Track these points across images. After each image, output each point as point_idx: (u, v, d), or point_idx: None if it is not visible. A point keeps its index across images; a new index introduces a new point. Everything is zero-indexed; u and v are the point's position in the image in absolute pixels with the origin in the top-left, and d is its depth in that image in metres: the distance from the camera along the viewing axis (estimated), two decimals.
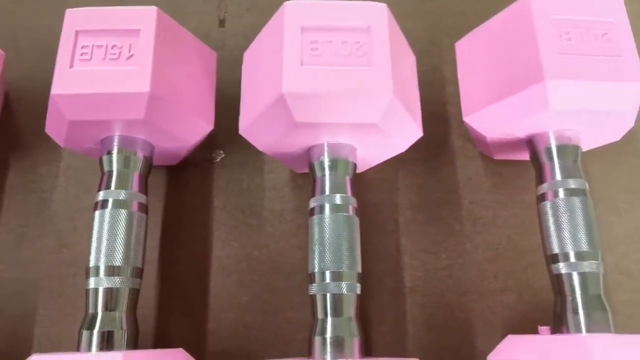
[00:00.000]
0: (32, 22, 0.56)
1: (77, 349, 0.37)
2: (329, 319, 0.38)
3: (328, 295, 0.38)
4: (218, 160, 0.50)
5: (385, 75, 0.37)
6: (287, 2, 0.40)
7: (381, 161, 0.47)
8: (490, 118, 0.43)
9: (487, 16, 0.46)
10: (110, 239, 0.39)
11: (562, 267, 0.40)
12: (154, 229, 0.47)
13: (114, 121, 0.39)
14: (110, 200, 0.40)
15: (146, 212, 0.41)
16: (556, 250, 0.41)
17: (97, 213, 0.40)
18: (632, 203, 0.51)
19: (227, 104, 0.48)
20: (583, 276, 0.39)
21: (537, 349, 0.36)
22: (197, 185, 0.49)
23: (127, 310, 0.38)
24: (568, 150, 0.43)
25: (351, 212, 0.40)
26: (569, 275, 0.40)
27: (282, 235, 0.48)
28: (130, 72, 0.38)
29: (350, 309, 0.38)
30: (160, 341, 0.44)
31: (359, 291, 0.39)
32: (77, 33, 0.39)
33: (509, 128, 0.43)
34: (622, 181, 0.52)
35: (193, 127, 0.42)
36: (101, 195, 0.40)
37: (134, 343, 0.38)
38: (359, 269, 0.40)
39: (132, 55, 0.39)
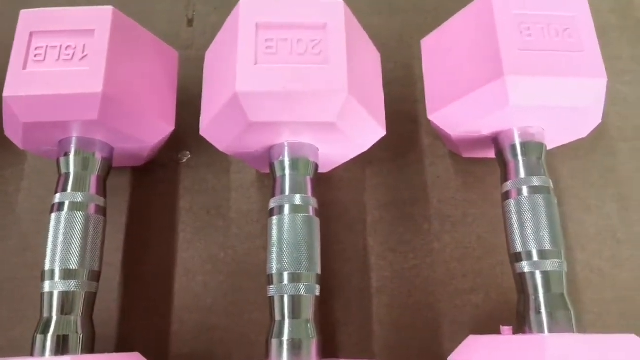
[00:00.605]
0: None
1: (31, 353, 0.36)
2: (287, 320, 0.37)
3: (286, 297, 0.38)
4: (184, 161, 0.50)
5: (341, 74, 0.37)
6: None
7: (346, 160, 0.46)
8: (453, 116, 0.43)
9: None
10: (65, 242, 0.38)
11: (525, 266, 0.40)
12: (118, 231, 0.47)
13: (69, 122, 0.39)
14: (67, 203, 0.39)
15: (104, 215, 0.41)
16: (519, 248, 0.40)
17: (53, 216, 0.39)
18: (604, 200, 0.50)
19: (195, 104, 0.47)
20: (546, 275, 0.39)
21: (497, 349, 0.36)
22: (163, 186, 0.49)
23: (83, 314, 0.38)
24: (532, 147, 0.42)
25: (311, 212, 0.40)
26: (532, 274, 0.39)
27: (248, 236, 0.47)
28: (83, 73, 0.37)
29: (308, 311, 0.38)
30: (123, 344, 0.44)
31: (317, 293, 0.39)
32: (31, 34, 0.39)
33: (473, 125, 0.43)
34: (593, 178, 0.51)
35: (152, 127, 0.42)
36: (57, 198, 0.40)
37: (90, 347, 0.38)
38: (318, 271, 0.39)
39: (85, 56, 0.38)
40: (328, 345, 0.45)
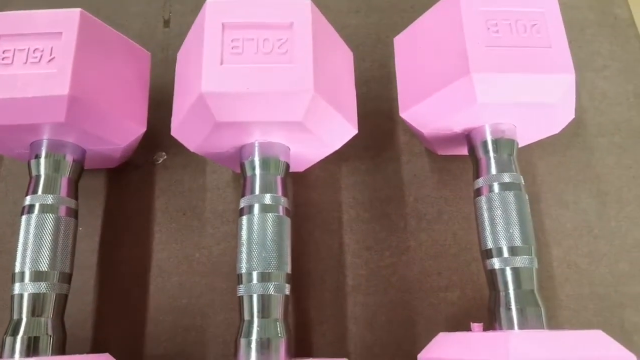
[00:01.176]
0: None
1: (0, 355, 0.37)
2: (255, 320, 0.37)
3: (255, 296, 0.38)
4: (160, 161, 0.50)
5: (307, 73, 0.37)
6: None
7: (320, 159, 0.46)
8: (424, 113, 0.43)
9: None
10: (35, 244, 0.38)
11: (495, 263, 0.40)
12: (93, 233, 0.47)
13: (37, 125, 0.39)
14: (37, 205, 0.39)
15: (76, 217, 0.41)
16: (490, 245, 0.40)
17: (23, 218, 0.39)
18: (580, 196, 0.50)
19: (171, 105, 0.47)
20: (516, 271, 0.39)
21: (465, 346, 0.36)
22: (139, 187, 0.49)
23: (54, 315, 0.38)
24: (503, 144, 0.42)
25: (281, 212, 0.40)
26: (502, 271, 0.39)
27: (224, 236, 0.48)
28: (50, 75, 0.38)
29: (277, 310, 0.38)
30: (98, 346, 0.44)
31: (287, 292, 0.39)
32: None
33: (444, 123, 0.43)
34: (570, 174, 0.51)
35: (123, 129, 0.42)
36: (28, 200, 0.40)
37: (61, 349, 0.38)
38: (288, 270, 0.39)
39: (53, 58, 0.38)
40: (303, 344, 0.45)
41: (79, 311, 0.44)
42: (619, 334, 0.46)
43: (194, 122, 0.39)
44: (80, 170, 0.43)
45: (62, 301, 0.39)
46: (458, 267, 0.47)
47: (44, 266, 0.38)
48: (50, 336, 0.37)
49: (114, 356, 0.39)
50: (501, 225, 0.40)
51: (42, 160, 0.41)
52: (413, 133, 0.51)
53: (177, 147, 0.50)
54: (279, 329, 0.37)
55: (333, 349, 0.45)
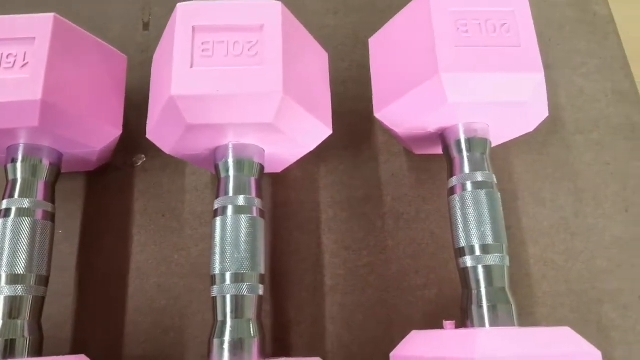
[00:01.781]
0: None
1: None
2: (229, 321, 0.38)
3: (228, 296, 0.38)
4: (139, 164, 0.50)
5: (276, 74, 0.37)
6: (180, 3, 0.39)
7: (296, 159, 0.47)
8: (397, 114, 0.43)
9: None
10: (12, 248, 0.39)
11: (468, 261, 0.40)
12: (73, 235, 0.48)
13: (13, 130, 0.39)
14: (14, 209, 0.40)
15: (52, 221, 0.41)
16: (463, 243, 0.40)
17: (0, 222, 0.40)
18: (557, 194, 0.51)
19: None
20: (488, 269, 0.39)
21: (436, 343, 0.36)
22: (118, 190, 0.49)
23: (31, 318, 0.38)
24: (476, 143, 0.43)
25: (255, 213, 0.40)
26: (475, 269, 0.40)
27: (202, 237, 0.48)
28: (23, 80, 0.38)
29: (250, 310, 0.38)
30: (77, 347, 0.44)
31: (261, 292, 0.39)
32: None
33: (418, 123, 0.43)
34: (547, 172, 0.51)
35: (98, 132, 0.42)
36: (4, 204, 0.40)
37: (38, 351, 0.38)
38: (262, 271, 0.40)
39: (26, 64, 0.39)
40: (281, 344, 0.45)
41: (58, 313, 0.45)
42: (596, 331, 0.46)
43: (167, 124, 0.39)
44: (57, 174, 0.43)
45: (39, 304, 0.39)
46: (436, 265, 0.48)
47: (20, 269, 0.38)
48: (27, 338, 0.38)
49: (92, 358, 0.39)
50: (473, 223, 0.40)
51: (19, 165, 0.41)
52: (391, 134, 0.51)
53: (156, 150, 0.50)
54: (252, 329, 0.38)
55: (311, 349, 0.45)
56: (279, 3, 0.40)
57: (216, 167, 0.42)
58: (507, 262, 0.40)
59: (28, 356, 0.38)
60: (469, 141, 0.43)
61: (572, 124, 0.54)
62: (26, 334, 0.38)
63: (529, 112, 0.43)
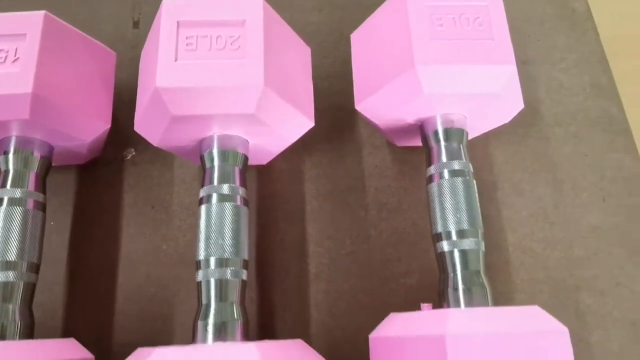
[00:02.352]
0: None
1: None
2: (213, 304, 0.39)
3: (212, 280, 0.39)
4: (129, 157, 0.52)
5: (257, 67, 0.39)
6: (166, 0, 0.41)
7: (280, 151, 0.48)
8: (376, 106, 0.45)
9: None
10: (4, 236, 0.40)
11: (444, 245, 0.41)
12: (63, 227, 0.49)
13: (4, 122, 0.41)
14: (5, 199, 0.41)
15: (43, 211, 0.43)
16: (440, 229, 0.42)
17: None
18: (535, 184, 0.52)
19: None
20: (463, 253, 0.41)
21: (412, 323, 0.37)
22: (108, 183, 0.51)
23: (22, 303, 0.40)
24: (453, 133, 0.44)
25: (239, 201, 0.42)
26: (451, 253, 0.41)
27: (190, 227, 0.49)
28: (14, 75, 0.39)
29: (234, 294, 0.39)
30: (67, 334, 0.46)
31: (244, 277, 0.41)
32: None
33: (397, 114, 0.45)
34: (526, 163, 0.53)
35: (87, 125, 0.44)
36: None
37: (29, 335, 0.40)
38: (245, 256, 0.41)
39: (17, 59, 0.40)
40: (266, 330, 0.46)
41: (49, 301, 0.46)
42: (574, 316, 0.48)
43: (153, 116, 0.41)
44: (48, 166, 0.44)
45: (30, 290, 0.41)
46: (417, 253, 0.49)
47: (11, 256, 0.40)
48: (18, 323, 0.39)
49: (82, 343, 0.41)
50: (450, 210, 0.42)
51: (11, 156, 0.43)
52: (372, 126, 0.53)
53: (145, 144, 0.51)
54: (235, 312, 0.39)
55: (295, 334, 0.46)
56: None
57: (201, 158, 0.44)
58: (482, 247, 0.41)
59: (19, 340, 0.39)
60: (446, 131, 0.44)
61: (551, 117, 0.55)
62: (17, 318, 0.39)
63: (503, 103, 0.44)
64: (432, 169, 0.44)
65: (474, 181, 0.43)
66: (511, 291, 0.48)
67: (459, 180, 0.42)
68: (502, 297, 0.47)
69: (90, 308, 0.47)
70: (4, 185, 0.42)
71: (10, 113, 0.40)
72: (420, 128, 0.46)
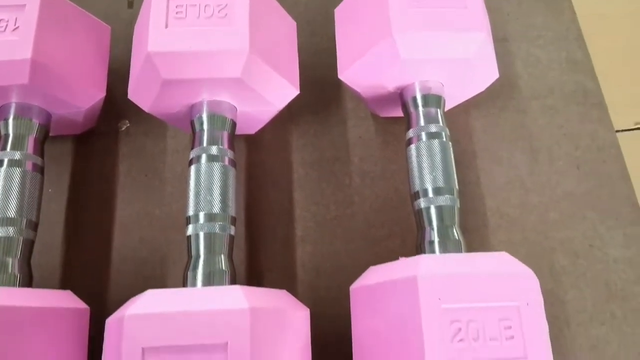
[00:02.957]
0: None
1: None
2: (202, 256, 0.41)
3: (202, 234, 0.42)
4: (123, 129, 0.54)
5: (243, 34, 0.41)
6: None
7: (268, 119, 0.50)
8: (358, 74, 0.47)
9: None
10: (4, 194, 0.42)
11: (421, 203, 0.44)
12: (61, 194, 0.51)
13: (5, 88, 0.43)
14: (6, 160, 0.44)
15: (42, 173, 0.45)
16: (417, 188, 0.44)
17: None
18: (513, 153, 0.54)
19: None
20: (439, 209, 0.43)
21: (388, 272, 0.40)
22: (103, 153, 0.53)
23: (21, 257, 0.42)
24: (431, 99, 0.47)
25: (227, 162, 0.44)
26: (427, 209, 0.43)
27: (182, 194, 0.52)
28: (14, 42, 0.42)
29: (223, 247, 0.42)
30: None
31: (232, 232, 0.43)
32: None
33: (377, 81, 0.47)
34: (504, 133, 0.55)
35: (83, 92, 0.46)
36: None
37: (27, 287, 0.42)
38: (233, 213, 0.43)
39: (17, 28, 0.43)
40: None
41: (46, 263, 0.48)
42: (549, 275, 0.50)
43: (145, 82, 0.43)
44: (46, 133, 0.47)
45: (29, 246, 0.43)
46: (399, 218, 0.51)
47: (11, 213, 0.42)
48: (17, 275, 0.41)
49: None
50: (427, 169, 0.44)
51: (10, 122, 0.45)
52: (359, 99, 0.55)
53: (139, 116, 0.54)
54: (223, 264, 0.41)
55: None
56: None
57: (192, 124, 0.46)
58: (457, 204, 0.43)
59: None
60: (424, 97, 0.46)
61: (528, 90, 0.58)
62: (16, 271, 0.41)
63: (477, 71, 0.46)
64: (410, 133, 0.46)
65: (450, 144, 0.46)
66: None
67: (435, 142, 0.45)
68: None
69: (87, 269, 0.49)
70: (4, 149, 0.44)
71: (11, 78, 0.42)
72: (400, 96, 0.48)
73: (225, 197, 0.43)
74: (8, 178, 0.43)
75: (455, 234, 0.42)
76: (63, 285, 0.48)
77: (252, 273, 0.49)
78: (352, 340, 0.40)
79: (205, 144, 0.44)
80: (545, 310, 0.37)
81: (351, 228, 0.51)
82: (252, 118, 0.49)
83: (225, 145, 0.45)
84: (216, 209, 0.42)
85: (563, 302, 0.49)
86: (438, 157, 0.44)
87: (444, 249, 0.41)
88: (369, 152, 0.54)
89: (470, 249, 0.46)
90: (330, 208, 0.52)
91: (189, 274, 0.41)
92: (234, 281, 0.41)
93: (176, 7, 0.42)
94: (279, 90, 0.46)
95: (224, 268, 0.41)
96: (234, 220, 0.43)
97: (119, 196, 0.52)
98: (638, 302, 0.49)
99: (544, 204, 0.53)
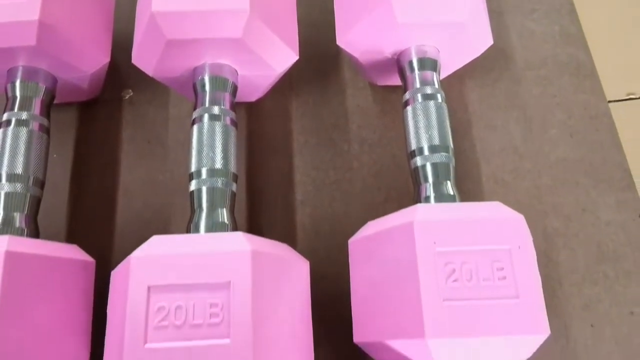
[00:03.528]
0: None
1: None
2: (205, 209, 0.42)
3: (204, 188, 0.43)
4: (127, 98, 0.55)
5: None
6: None
7: (268, 84, 0.52)
8: (356, 39, 0.48)
9: None
10: (11, 152, 0.44)
11: (418, 161, 0.45)
12: (66, 160, 0.53)
13: (13, 49, 0.44)
14: (13, 120, 0.45)
15: (48, 134, 0.46)
16: (414, 146, 0.45)
17: (0, 131, 0.45)
18: (507, 121, 0.56)
19: None
20: (435, 166, 0.44)
21: (385, 222, 0.41)
22: (107, 120, 0.54)
23: (28, 212, 0.43)
24: (427, 62, 0.48)
25: (228, 122, 0.45)
26: (424, 167, 0.44)
27: (184, 160, 0.53)
28: (22, 4, 0.43)
29: (225, 201, 0.43)
30: None
31: (234, 189, 0.44)
32: None
33: (375, 46, 0.48)
34: (499, 102, 0.57)
35: (89, 56, 0.47)
36: (5, 116, 0.45)
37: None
38: (234, 170, 0.44)
39: None
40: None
41: (52, 225, 0.50)
42: (542, 237, 0.51)
43: (149, 44, 0.44)
44: (51, 97, 0.48)
45: (35, 203, 0.44)
46: (396, 183, 0.53)
47: (19, 170, 0.43)
48: (24, 229, 0.42)
49: None
50: (423, 129, 0.45)
51: (18, 84, 0.46)
52: (356, 69, 0.57)
53: (142, 85, 0.56)
54: (226, 216, 0.42)
55: None
56: None
57: (194, 87, 0.47)
58: (452, 162, 0.45)
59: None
60: (420, 61, 0.48)
61: (523, 62, 0.59)
62: (23, 225, 0.43)
63: (472, 35, 0.48)
64: (407, 95, 0.47)
65: (445, 105, 0.47)
66: None
67: (431, 103, 0.46)
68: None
69: (91, 231, 0.50)
70: (11, 109, 0.45)
71: (18, 40, 0.44)
72: (397, 62, 0.50)
73: (226, 153, 0.44)
74: (15, 137, 0.44)
75: (451, 189, 0.43)
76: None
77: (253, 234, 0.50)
78: (351, 292, 0.42)
79: (207, 104, 0.45)
80: (539, 271, 0.38)
81: (349, 192, 0.52)
82: (252, 83, 0.50)
83: (227, 106, 0.46)
84: (218, 164, 0.43)
85: (556, 263, 0.50)
86: (433, 117, 0.45)
87: (440, 201, 0.42)
88: (367, 120, 0.55)
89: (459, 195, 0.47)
90: (330, 173, 0.53)
91: (192, 225, 0.42)
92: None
93: None
94: (279, 54, 0.47)
95: (226, 221, 0.42)
96: (235, 177, 0.44)
97: (122, 162, 0.53)
98: (629, 263, 0.50)
99: (538, 169, 0.54)
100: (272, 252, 0.37)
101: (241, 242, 0.36)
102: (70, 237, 0.50)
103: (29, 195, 0.43)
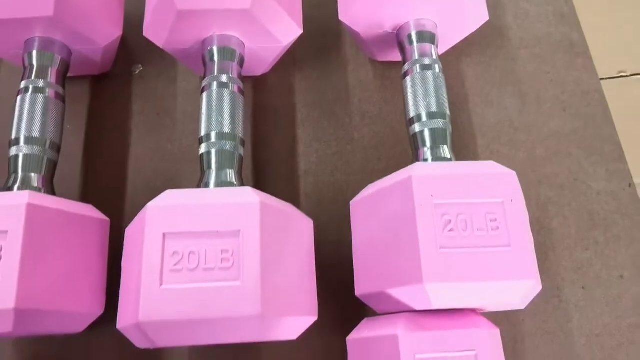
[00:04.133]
0: None
1: None
2: (214, 170, 0.44)
3: (213, 151, 0.45)
4: (137, 72, 0.58)
5: None
6: None
7: (272, 58, 0.54)
8: (357, 15, 0.50)
9: None
10: (29, 116, 0.46)
11: (416, 127, 0.47)
12: (79, 130, 0.55)
13: (31, 20, 0.46)
14: (31, 87, 0.47)
15: (63, 102, 0.48)
16: (412, 114, 0.48)
17: (18, 98, 0.47)
18: (502, 96, 0.58)
19: None
20: (433, 132, 0.46)
21: (384, 182, 0.43)
22: (118, 94, 0.57)
23: (45, 174, 0.45)
24: (425, 35, 0.50)
25: (236, 90, 0.48)
26: (422, 133, 0.47)
27: (192, 131, 0.55)
28: None
29: (233, 163, 0.45)
30: None
31: (241, 152, 0.46)
32: None
33: (376, 21, 0.51)
34: (495, 79, 0.59)
35: (102, 29, 0.50)
36: (23, 84, 0.47)
37: None
38: (242, 135, 0.47)
39: None
40: None
41: (67, 191, 0.52)
42: (535, 206, 0.53)
43: (160, 15, 0.47)
44: (66, 68, 0.50)
45: (52, 165, 0.46)
46: (395, 154, 0.55)
47: (36, 133, 0.45)
48: (41, 189, 0.44)
49: None
50: (421, 97, 0.47)
51: (34, 54, 0.48)
52: (357, 45, 0.59)
53: (152, 59, 0.58)
54: (234, 178, 0.44)
55: None
56: None
57: (203, 58, 0.49)
58: (449, 128, 0.47)
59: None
60: (418, 34, 0.50)
61: (518, 40, 0.61)
62: (41, 185, 0.45)
63: (468, 10, 0.50)
64: (406, 66, 0.50)
65: (443, 76, 0.49)
66: None
67: (429, 73, 0.48)
68: None
69: (103, 196, 0.52)
70: (29, 77, 0.48)
71: (37, 10, 0.46)
72: (397, 36, 0.52)
73: (234, 118, 0.46)
74: (32, 102, 0.46)
75: (448, 152, 0.45)
76: None
77: None
78: (353, 248, 0.44)
79: (215, 73, 0.48)
80: (533, 236, 0.40)
81: (351, 162, 0.54)
82: (258, 56, 0.53)
83: (235, 75, 0.48)
84: (227, 128, 0.45)
85: (549, 229, 0.53)
86: (431, 86, 0.48)
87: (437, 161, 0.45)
88: (367, 94, 0.58)
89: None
90: (332, 144, 0.55)
91: (202, 184, 0.44)
92: None
93: None
94: (284, 27, 0.49)
95: (235, 182, 0.44)
96: (243, 142, 0.47)
97: (133, 133, 0.55)
98: (619, 230, 0.53)
99: (532, 141, 0.56)
100: (279, 207, 0.39)
101: (250, 195, 0.38)
102: (84, 202, 0.52)
103: (45, 157, 0.46)
